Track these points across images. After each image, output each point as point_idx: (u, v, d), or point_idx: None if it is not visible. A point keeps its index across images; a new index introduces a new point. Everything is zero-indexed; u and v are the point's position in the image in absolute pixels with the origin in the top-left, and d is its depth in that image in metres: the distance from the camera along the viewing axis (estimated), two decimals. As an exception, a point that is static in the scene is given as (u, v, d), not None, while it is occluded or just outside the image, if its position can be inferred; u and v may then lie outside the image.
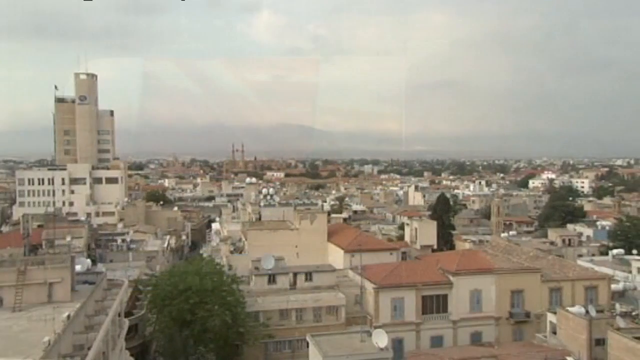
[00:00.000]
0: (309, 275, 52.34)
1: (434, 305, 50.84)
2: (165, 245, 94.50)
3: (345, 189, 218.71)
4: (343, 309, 49.38)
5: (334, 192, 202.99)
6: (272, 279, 51.87)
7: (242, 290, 49.40)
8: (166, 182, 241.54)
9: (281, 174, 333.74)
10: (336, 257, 62.37)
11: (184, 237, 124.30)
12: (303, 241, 65.66)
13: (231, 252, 71.18)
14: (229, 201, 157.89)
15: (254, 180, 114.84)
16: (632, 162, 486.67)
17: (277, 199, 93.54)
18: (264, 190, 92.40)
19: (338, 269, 56.84)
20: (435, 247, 69.61)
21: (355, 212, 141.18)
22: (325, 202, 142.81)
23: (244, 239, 73.17)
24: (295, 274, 52.46)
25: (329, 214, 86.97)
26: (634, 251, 77.33)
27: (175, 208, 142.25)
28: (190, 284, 45.04)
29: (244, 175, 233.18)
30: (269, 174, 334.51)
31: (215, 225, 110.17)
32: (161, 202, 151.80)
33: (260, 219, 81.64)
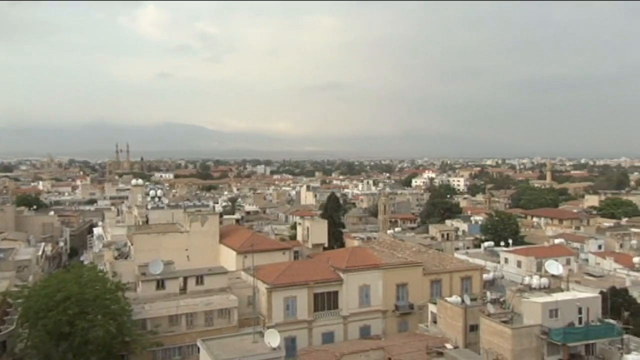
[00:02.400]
0: (200, 279, 51.06)
1: (326, 302, 52.11)
2: (40, 253, 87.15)
3: (238, 189, 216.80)
4: (235, 311, 48.86)
5: (226, 193, 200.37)
6: (160, 284, 49.88)
7: (128, 297, 47.02)
8: (40, 185, 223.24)
9: (170, 175, 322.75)
10: (229, 258, 61.53)
11: (61, 244, 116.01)
12: (194, 244, 63.96)
13: (115, 258, 67.37)
14: (112, 204, 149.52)
15: (140, 181, 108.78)
16: (499, 162, 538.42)
17: (165, 200, 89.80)
18: (152, 192, 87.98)
19: (230, 270, 56.10)
20: (326, 245, 71.23)
21: (248, 212, 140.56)
22: (217, 203, 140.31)
23: (129, 244, 69.64)
24: (185, 278, 50.94)
25: (221, 215, 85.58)
26: (502, 243, 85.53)
27: (52, 213, 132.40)
28: (69, 293, 41.83)
29: (130, 176, 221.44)
30: (156, 175, 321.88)
31: (97, 230, 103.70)
32: (34, 207, 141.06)
33: (147, 222, 78.20)
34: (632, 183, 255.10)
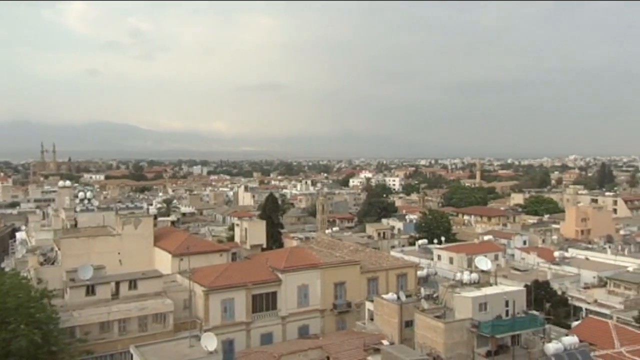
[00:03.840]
0: (133, 283, 49.37)
1: (264, 303, 51.84)
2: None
3: (173, 190, 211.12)
4: (171, 315, 47.65)
5: (161, 194, 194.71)
6: (90, 290, 47.81)
7: (55, 305, 44.68)
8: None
9: (101, 176, 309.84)
10: (164, 261, 59.84)
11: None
12: (127, 247, 61.71)
13: (41, 264, 63.67)
14: (37, 207, 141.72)
15: (68, 183, 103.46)
16: (433, 162, 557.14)
17: (95, 203, 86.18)
18: (80, 194, 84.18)
19: (166, 274, 54.71)
20: (265, 246, 70.77)
21: (184, 214, 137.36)
22: (152, 205, 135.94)
23: (56, 249, 66.19)
24: (117, 283, 49.11)
25: (155, 217, 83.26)
26: (435, 241, 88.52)
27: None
28: (-12, 303, 39.28)
29: (56, 178, 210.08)
30: (86, 176, 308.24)
31: (20, 235, 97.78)
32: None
33: (76, 225, 74.81)
34: (553, 182, 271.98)
